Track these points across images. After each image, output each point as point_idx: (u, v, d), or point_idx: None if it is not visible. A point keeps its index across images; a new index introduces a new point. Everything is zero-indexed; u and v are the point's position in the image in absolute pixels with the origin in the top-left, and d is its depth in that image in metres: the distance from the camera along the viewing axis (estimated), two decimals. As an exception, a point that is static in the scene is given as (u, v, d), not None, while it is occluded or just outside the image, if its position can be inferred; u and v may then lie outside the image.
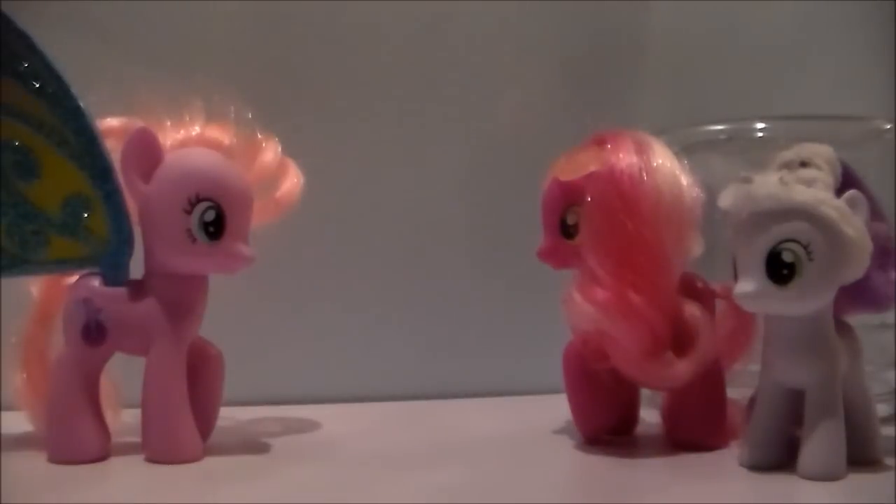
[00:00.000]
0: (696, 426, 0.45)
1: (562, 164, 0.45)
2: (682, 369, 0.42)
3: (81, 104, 0.41)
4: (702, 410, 0.45)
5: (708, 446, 0.44)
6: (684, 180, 0.42)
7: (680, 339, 0.42)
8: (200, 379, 0.44)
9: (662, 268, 0.42)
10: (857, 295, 0.41)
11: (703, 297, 0.44)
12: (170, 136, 0.44)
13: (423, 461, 0.44)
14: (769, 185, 0.39)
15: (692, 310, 0.43)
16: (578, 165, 0.43)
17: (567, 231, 0.46)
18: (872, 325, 0.46)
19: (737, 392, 0.46)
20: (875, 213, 0.40)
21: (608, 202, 0.41)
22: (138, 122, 0.43)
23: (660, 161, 0.42)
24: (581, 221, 0.44)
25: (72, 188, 0.42)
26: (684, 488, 0.39)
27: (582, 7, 0.62)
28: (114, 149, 0.42)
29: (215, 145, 0.44)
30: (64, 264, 0.43)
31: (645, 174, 0.41)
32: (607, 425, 0.46)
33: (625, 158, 0.42)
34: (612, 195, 0.41)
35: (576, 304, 0.41)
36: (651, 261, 0.41)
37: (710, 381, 0.44)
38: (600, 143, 0.44)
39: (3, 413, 0.48)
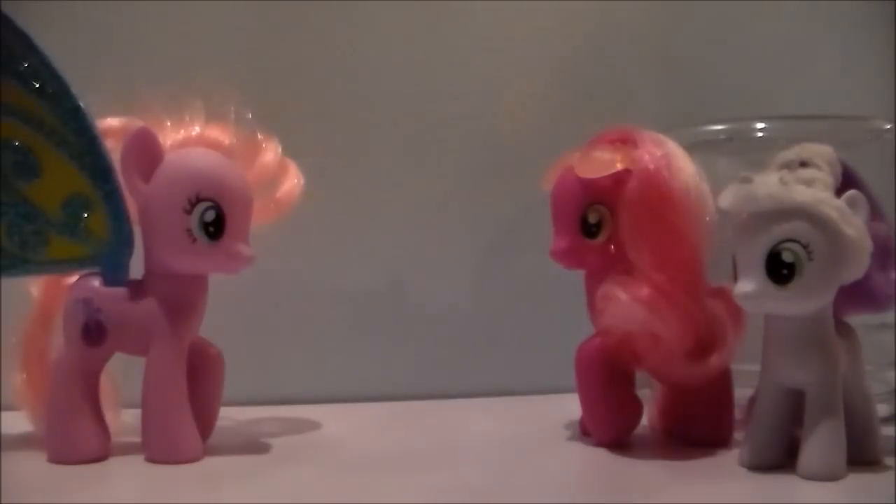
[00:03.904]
0: (704, 423, 0.45)
1: (582, 163, 0.44)
2: (715, 366, 0.42)
3: (81, 104, 0.41)
4: (712, 407, 0.45)
5: (714, 443, 0.45)
6: (699, 176, 0.43)
7: (710, 335, 0.42)
8: (200, 379, 0.44)
9: (699, 262, 0.42)
10: (857, 295, 0.41)
11: (723, 292, 0.44)
12: (170, 136, 0.44)
13: (423, 461, 0.44)
14: (769, 185, 0.39)
15: (718, 305, 0.43)
16: (604, 164, 0.43)
17: (588, 230, 0.45)
18: (872, 325, 0.46)
19: (737, 392, 0.46)
20: (875, 213, 0.40)
21: (649, 199, 0.42)
22: (138, 122, 0.43)
23: (680, 158, 0.43)
24: (608, 220, 0.44)
25: (72, 188, 0.42)
26: (684, 488, 0.39)
27: (582, 7, 0.62)
28: (114, 149, 0.42)
29: (215, 145, 0.44)
30: (64, 264, 0.43)
31: (674, 170, 0.42)
32: (630, 428, 0.46)
33: (656, 155, 0.42)
34: (653, 192, 0.42)
35: (622, 304, 0.41)
36: (691, 255, 0.42)
37: (720, 378, 0.44)
38: (622, 141, 0.44)
39: (3, 413, 0.48)
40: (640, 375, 0.46)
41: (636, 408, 0.46)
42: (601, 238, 0.45)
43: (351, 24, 0.60)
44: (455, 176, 0.61)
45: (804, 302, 0.39)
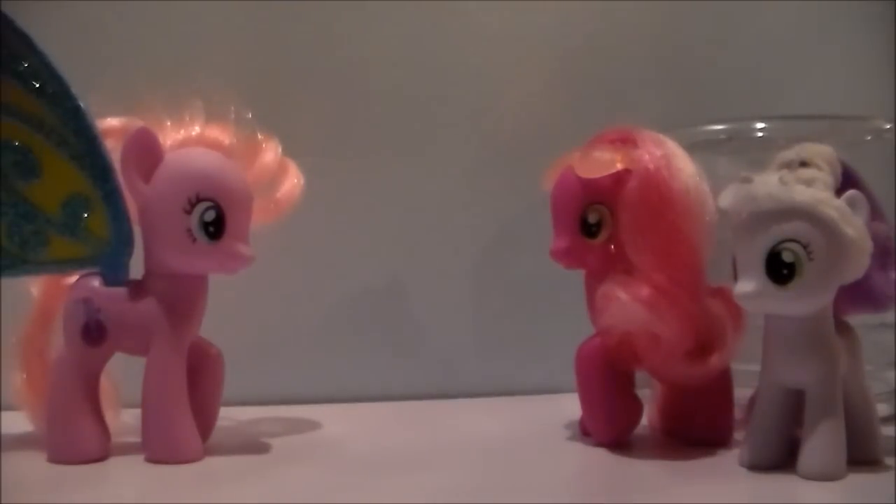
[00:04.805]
0: (704, 423, 0.45)
1: (582, 163, 0.44)
2: (715, 366, 0.42)
3: (81, 104, 0.42)
4: (712, 407, 0.45)
5: (714, 443, 0.45)
6: (699, 176, 0.43)
7: (710, 335, 0.43)
8: (200, 379, 0.44)
9: (699, 262, 0.42)
10: (857, 295, 0.41)
11: (723, 292, 0.44)
12: (170, 136, 0.44)
13: (424, 461, 0.44)
14: (769, 185, 0.39)
15: (718, 305, 0.43)
16: (603, 164, 0.43)
17: (588, 230, 0.45)
18: (872, 325, 0.46)
19: (737, 392, 0.46)
20: (875, 213, 0.40)
21: (649, 199, 0.42)
22: (138, 122, 0.43)
23: (680, 158, 0.43)
24: (608, 220, 0.44)
25: (72, 188, 0.42)
26: (684, 488, 0.39)
27: (582, 7, 0.62)
28: (114, 149, 0.42)
29: (215, 145, 0.44)
30: (64, 264, 0.43)
31: (674, 170, 0.42)
32: (630, 428, 0.46)
33: (656, 155, 0.42)
34: (653, 192, 0.42)
35: (622, 304, 0.41)
36: (691, 255, 0.42)
37: (720, 378, 0.44)
38: (622, 141, 0.44)
39: (3, 413, 0.48)
40: (640, 375, 0.46)
41: (636, 408, 0.46)
42: (601, 238, 0.45)
43: (351, 24, 0.60)
44: (455, 176, 0.61)
45: (804, 302, 0.39)
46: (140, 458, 0.42)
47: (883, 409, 0.47)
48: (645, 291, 0.41)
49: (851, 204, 0.39)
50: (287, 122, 0.46)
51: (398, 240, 0.60)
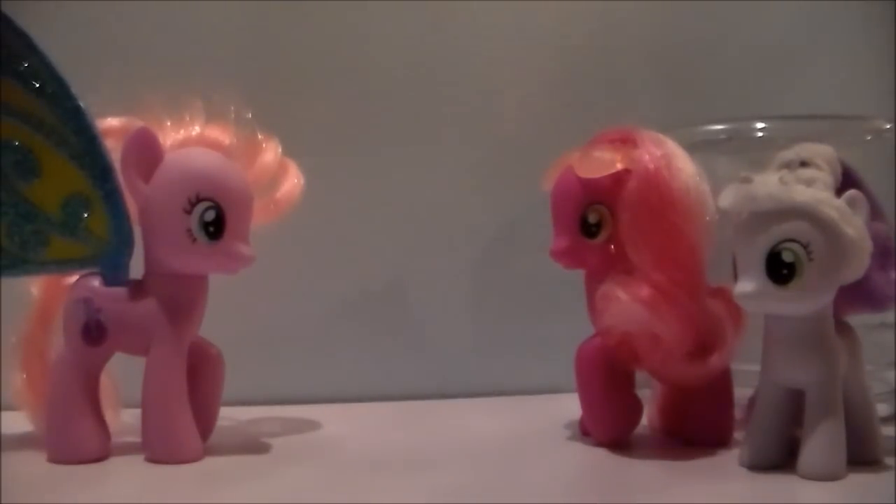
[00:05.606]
0: (704, 423, 0.45)
1: (582, 163, 0.44)
2: (715, 366, 0.42)
3: (81, 104, 0.42)
4: (712, 407, 0.45)
5: (714, 443, 0.45)
6: (699, 176, 0.43)
7: (710, 335, 0.43)
8: (200, 379, 0.44)
9: (699, 262, 0.42)
10: (857, 295, 0.41)
11: (723, 292, 0.44)
12: (170, 136, 0.44)
13: (423, 461, 0.44)
14: (769, 185, 0.39)
15: (718, 305, 0.43)
16: (603, 164, 0.43)
17: (588, 230, 0.45)
18: (872, 325, 0.46)
19: (737, 392, 0.46)
20: (875, 213, 0.40)
21: (649, 199, 0.42)
22: (138, 122, 0.43)
23: (680, 158, 0.43)
24: (608, 220, 0.44)
25: (72, 188, 0.42)
26: (684, 488, 0.39)
27: (582, 7, 0.62)
28: (114, 149, 0.42)
29: (215, 145, 0.44)
30: (64, 264, 0.43)
31: (674, 170, 0.42)
32: (630, 428, 0.46)
33: (656, 155, 0.42)
34: (653, 192, 0.42)
35: (622, 304, 0.41)
36: (691, 255, 0.42)
37: (720, 378, 0.44)
38: (622, 141, 0.44)
39: (3, 413, 0.48)
40: (640, 375, 0.46)
41: (636, 408, 0.46)
42: (601, 238, 0.45)
43: (351, 24, 0.60)
44: (455, 176, 0.61)
45: (804, 302, 0.39)
46: (140, 458, 0.42)
47: (883, 409, 0.47)
48: (645, 291, 0.41)
49: (851, 204, 0.39)
50: (287, 122, 0.46)
51: (398, 239, 0.60)
